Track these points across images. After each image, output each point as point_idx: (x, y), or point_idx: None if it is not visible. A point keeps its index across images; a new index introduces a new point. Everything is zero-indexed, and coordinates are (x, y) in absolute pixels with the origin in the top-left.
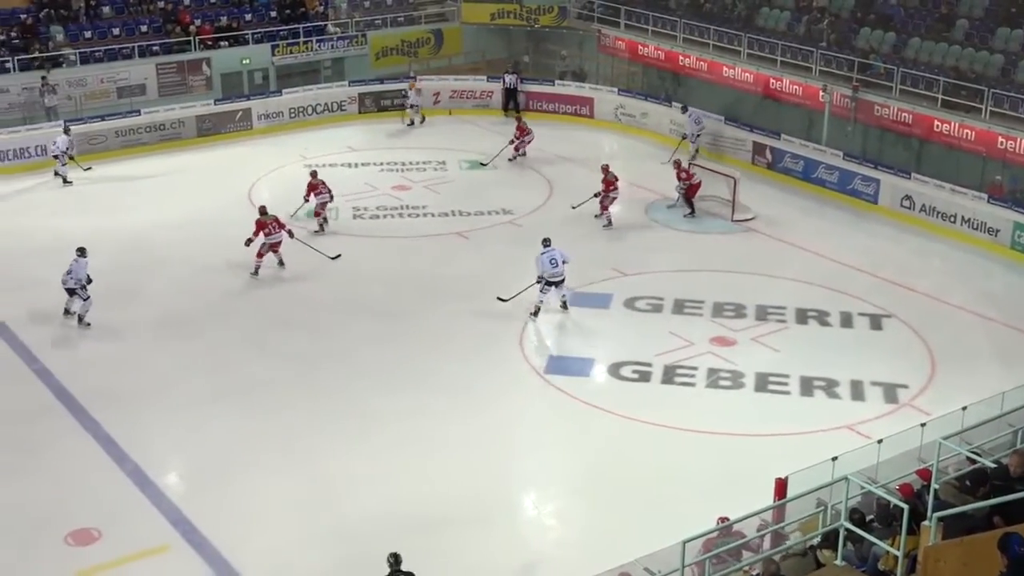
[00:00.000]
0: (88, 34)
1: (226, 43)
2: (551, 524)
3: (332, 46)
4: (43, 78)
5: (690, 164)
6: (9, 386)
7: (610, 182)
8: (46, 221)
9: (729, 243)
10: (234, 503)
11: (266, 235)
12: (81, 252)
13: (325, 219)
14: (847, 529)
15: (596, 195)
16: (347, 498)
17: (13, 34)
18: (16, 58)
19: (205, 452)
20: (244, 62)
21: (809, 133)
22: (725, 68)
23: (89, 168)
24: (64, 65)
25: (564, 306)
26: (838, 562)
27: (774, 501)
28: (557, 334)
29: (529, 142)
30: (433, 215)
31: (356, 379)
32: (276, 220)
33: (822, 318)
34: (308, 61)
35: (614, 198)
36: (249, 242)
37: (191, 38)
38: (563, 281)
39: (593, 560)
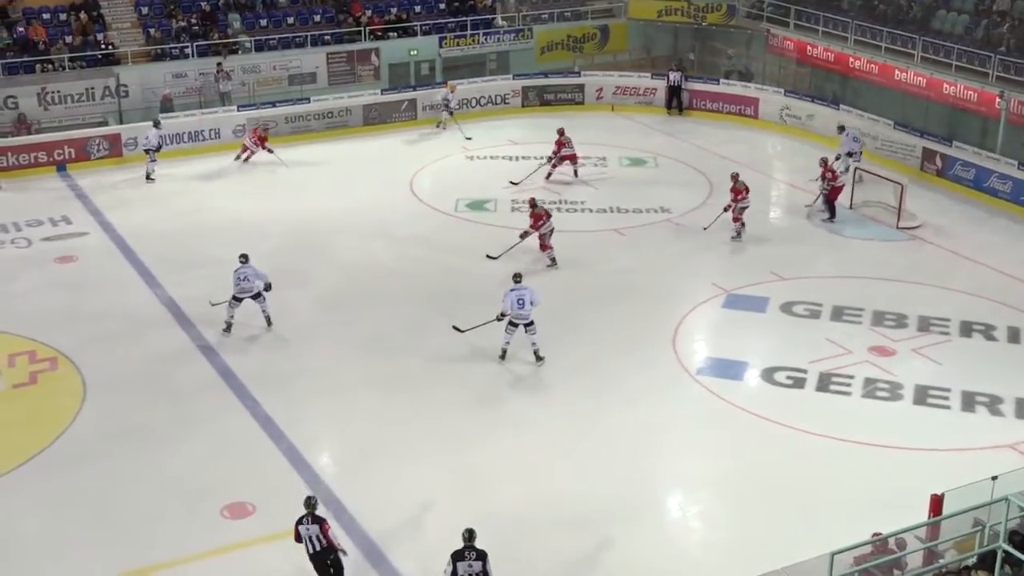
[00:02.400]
0: (264, 22)
1: (395, 34)
2: (696, 526)
3: (498, 39)
4: (219, 64)
5: (855, 171)
6: (176, 362)
7: (739, 191)
8: (218, 202)
9: (893, 251)
10: (383, 488)
11: (538, 228)
12: (246, 259)
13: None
14: (1005, 551)
15: (726, 208)
16: (494, 491)
17: (193, 21)
18: (195, 44)
19: (358, 436)
20: (412, 53)
21: (983, 141)
22: (897, 71)
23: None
24: (239, 52)
25: (537, 357)
26: None
27: (929, 518)
28: (711, 336)
29: (569, 158)
30: (591, 211)
31: (506, 374)
32: (546, 212)
33: (988, 332)
34: (474, 54)
35: (744, 208)
36: (525, 235)
37: (361, 28)
38: (531, 324)
39: (737, 565)
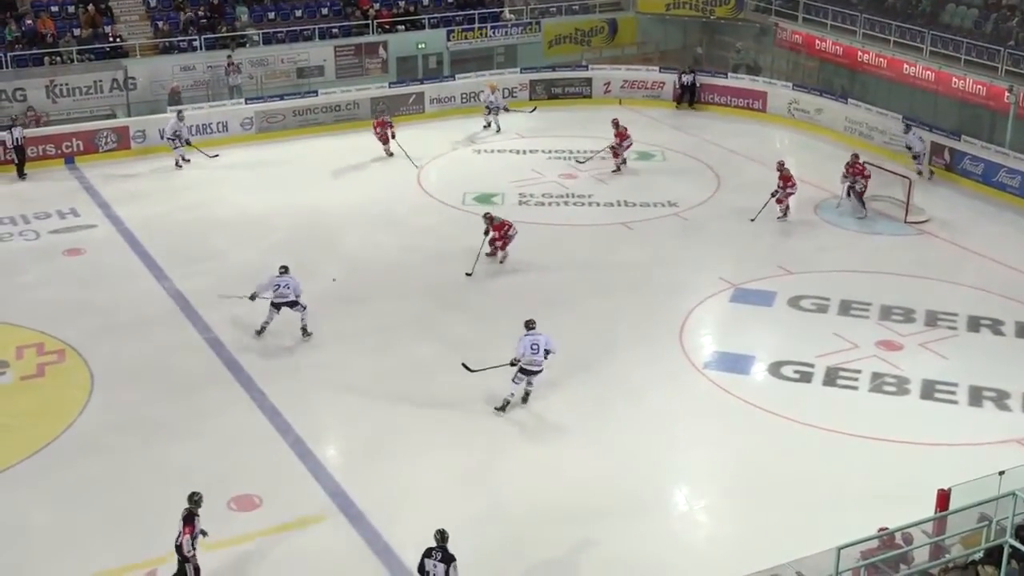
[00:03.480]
0: (272, 15)
1: (403, 27)
2: (703, 520)
3: (506, 33)
4: (228, 57)
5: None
6: (183, 355)
7: (787, 177)
8: (225, 195)
9: (901, 245)
10: (391, 479)
11: (507, 236)
12: (286, 269)
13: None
14: (1012, 546)
15: (773, 194)
16: (502, 483)
17: (200, 13)
18: (203, 37)
19: (366, 428)
20: (420, 46)
21: (992, 135)
22: (906, 65)
23: (216, 155)
24: (247, 45)
25: (526, 399)
26: None
27: (936, 512)
28: (718, 330)
29: (628, 147)
30: (599, 204)
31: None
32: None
33: (996, 327)
34: (482, 47)
35: (791, 193)
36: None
37: (369, 22)
38: (539, 373)
39: (744, 559)
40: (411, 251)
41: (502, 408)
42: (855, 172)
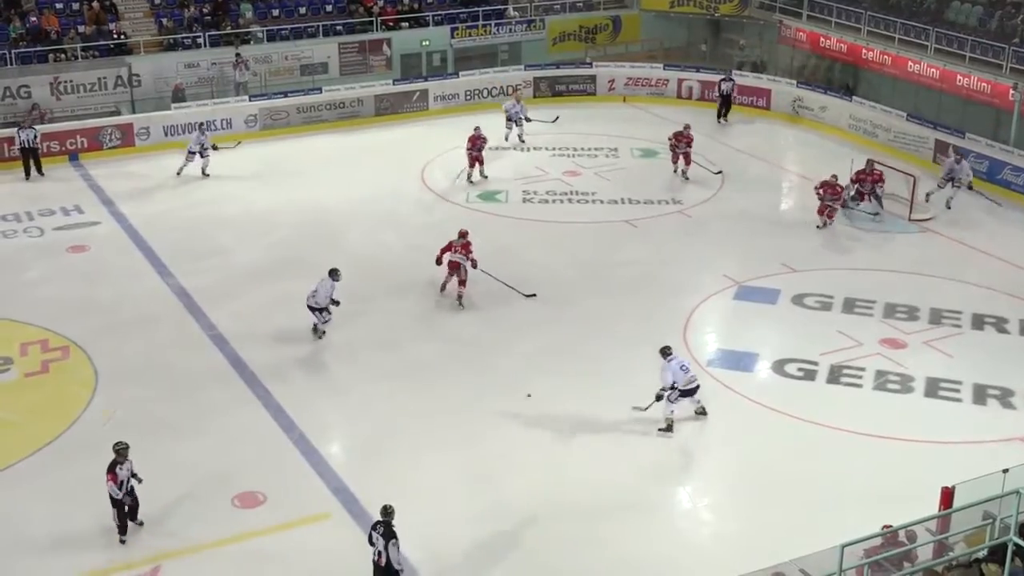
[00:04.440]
0: (275, 12)
1: (407, 24)
2: (707, 518)
3: (510, 30)
4: (237, 54)
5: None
6: (187, 352)
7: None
8: (229, 193)
9: (905, 243)
10: (394, 477)
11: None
12: (332, 274)
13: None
14: (1016, 544)
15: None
16: (505, 480)
17: (205, 10)
18: (207, 34)
19: (369, 426)
20: (424, 43)
21: (996, 132)
22: (910, 63)
23: (238, 144)
24: (251, 42)
25: (702, 411)
26: None
27: (939, 511)
28: (721, 328)
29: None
30: (602, 202)
31: (520, 363)
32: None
33: (1000, 325)
34: (486, 44)
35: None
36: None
37: (373, 19)
38: (699, 387)
39: (748, 557)
40: (415, 249)
41: (668, 428)
42: (874, 179)
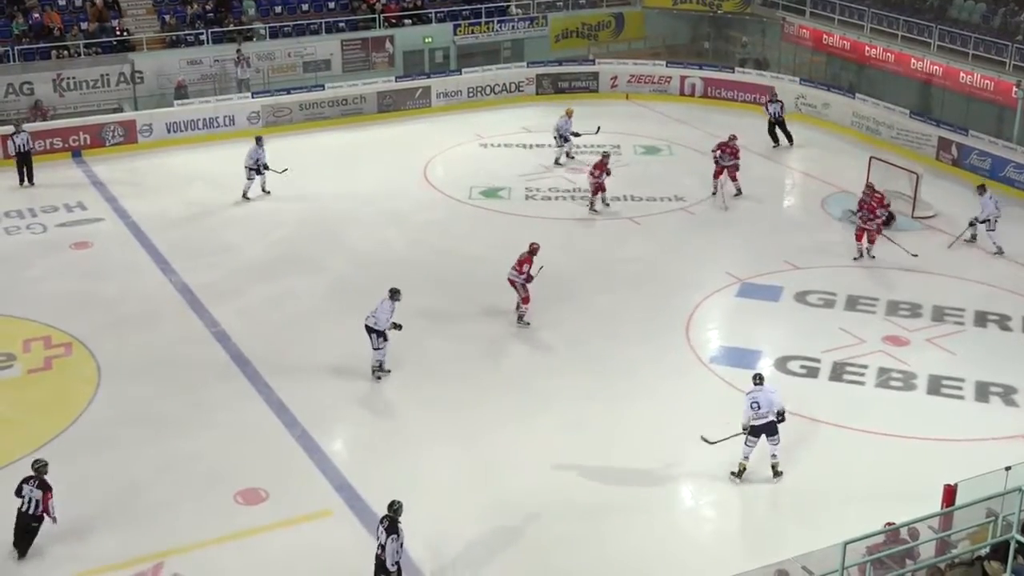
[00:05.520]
0: (278, 9)
1: (409, 21)
2: (709, 515)
3: (513, 27)
4: (238, 51)
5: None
6: (190, 348)
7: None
8: (232, 189)
9: (908, 240)
10: (397, 473)
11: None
12: (393, 294)
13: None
14: (1018, 542)
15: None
16: (508, 476)
17: (207, 7)
18: (210, 31)
19: (372, 422)
20: (426, 40)
21: (999, 130)
22: (913, 60)
23: (285, 170)
24: (254, 39)
25: (776, 473)
26: (1007, 575)
27: (942, 508)
28: (724, 325)
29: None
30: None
31: (523, 360)
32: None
33: (1003, 322)
34: (489, 41)
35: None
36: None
37: (376, 16)
38: (773, 428)
39: (750, 554)
40: (418, 245)
41: (738, 475)
42: (882, 203)
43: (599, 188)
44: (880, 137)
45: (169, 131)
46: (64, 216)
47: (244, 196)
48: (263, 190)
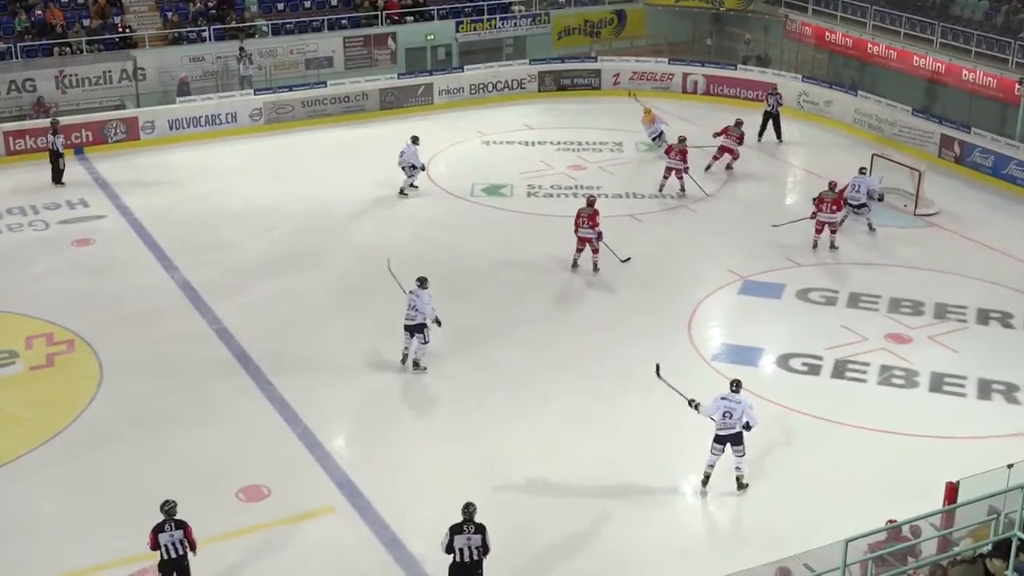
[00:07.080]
0: (280, 6)
1: (412, 18)
2: (711, 512)
3: (515, 24)
4: (241, 48)
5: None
6: (192, 345)
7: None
8: (235, 186)
9: (910, 238)
10: (399, 470)
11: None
12: (421, 283)
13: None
14: (1020, 540)
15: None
16: (511, 473)
17: (210, 4)
18: (212, 28)
19: (374, 418)
20: (428, 38)
21: (1002, 127)
22: (916, 57)
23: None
24: (256, 36)
25: (740, 486)
26: (1008, 573)
27: (944, 506)
28: (726, 322)
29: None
30: (607, 196)
31: (525, 357)
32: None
33: (1005, 320)
34: (491, 38)
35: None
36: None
37: (378, 13)
38: (738, 439)
39: (751, 551)
40: (420, 242)
41: (703, 483)
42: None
43: (680, 172)
44: (882, 134)
45: (171, 128)
46: (66, 213)
47: (402, 192)
48: (408, 188)
